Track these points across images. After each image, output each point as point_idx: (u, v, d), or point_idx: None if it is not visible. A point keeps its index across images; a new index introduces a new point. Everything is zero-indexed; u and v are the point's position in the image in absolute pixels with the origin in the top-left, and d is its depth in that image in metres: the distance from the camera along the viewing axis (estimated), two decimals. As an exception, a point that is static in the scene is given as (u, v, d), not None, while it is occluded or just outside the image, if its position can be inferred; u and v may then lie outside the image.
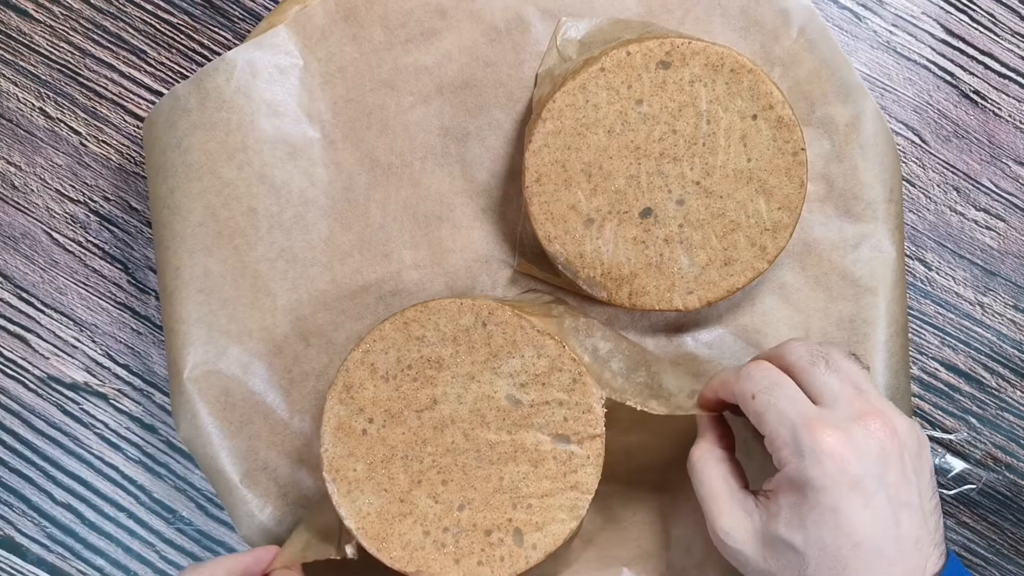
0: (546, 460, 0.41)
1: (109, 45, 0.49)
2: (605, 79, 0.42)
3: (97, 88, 0.49)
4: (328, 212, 0.45)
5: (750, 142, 0.42)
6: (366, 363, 0.41)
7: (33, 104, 0.49)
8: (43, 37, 0.49)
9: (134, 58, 0.49)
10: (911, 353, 0.49)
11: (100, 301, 0.50)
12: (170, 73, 0.49)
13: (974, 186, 0.48)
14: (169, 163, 0.44)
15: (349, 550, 0.41)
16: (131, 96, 0.49)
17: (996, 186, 0.48)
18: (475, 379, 0.41)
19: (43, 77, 0.49)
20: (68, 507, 0.50)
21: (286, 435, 0.45)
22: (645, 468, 0.47)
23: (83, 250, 0.50)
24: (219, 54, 0.48)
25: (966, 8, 0.48)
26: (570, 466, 0.41)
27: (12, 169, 0.49)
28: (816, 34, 0.44)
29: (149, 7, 0.48)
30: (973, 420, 0.49)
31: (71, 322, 0.50)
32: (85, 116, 0.49)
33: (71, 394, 0.50)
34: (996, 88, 0.48)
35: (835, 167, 0.45)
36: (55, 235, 0.50)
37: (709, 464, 0.38)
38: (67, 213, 0.49)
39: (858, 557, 0.34)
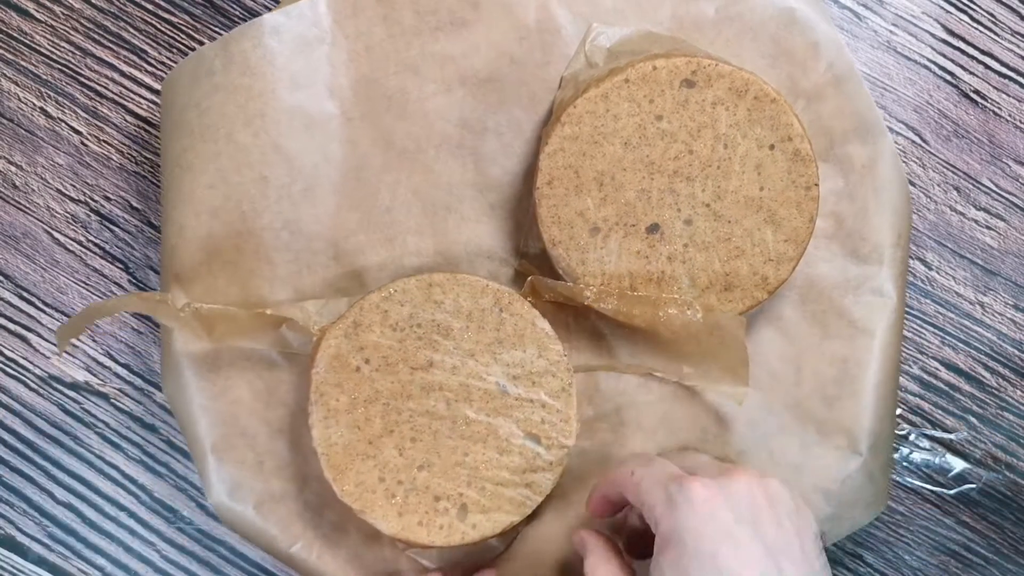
0: (512, 452, 0.43)
1: (110, 45, 0.49)
2: (628, 91, 0.41)
3: (98, 88, 0.49)
4: (338, 189, 0.45)
5: (765, 171, 0.42)
6: (381, 308, 0.43)
7: (34, 104, 0.49)
8: (44, 37, 0.49)
9: (135, 58, 0.49)
10: (912, 352, 0.49)
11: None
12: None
13: (974, 186, 0.48)
14: (186, 122, 0.44)
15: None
16: (132, 96, 0.49)
17: (996, 186, 0.48)
18: (474, 357, 0.43)
19: (44, 77, 0.49)
20: (69, 506, 0.50)
21: (269, 403, 0.45)
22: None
23: (84, 249, 0.50)
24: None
25: (966, 8, 0.48)
26: (532, 465, 0.43)
27: (13, 169, 0.49)
28: (844, 71, 0.44)
29: (150, 7, 0.48)
30: (973, 419, 0.49)
31: (72, 322, 0.50)
32: (86, 116, 0.49)
33: (72, 393, 0.50)
34: (996, 88, 0.48)
35: (846, 206, 0.45)
36: (56, 234, 0.50)
37: (599, 570, 0.39)
38: (68, 212, 0.49)
39: None
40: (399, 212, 0.45)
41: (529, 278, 0.44)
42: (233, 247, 0.45)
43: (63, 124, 0.49)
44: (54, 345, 0.50)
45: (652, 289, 0.43)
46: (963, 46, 0.48)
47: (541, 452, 0.43)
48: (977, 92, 0.48)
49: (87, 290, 0.50)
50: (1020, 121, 0.48)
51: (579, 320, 0.46)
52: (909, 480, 0.49)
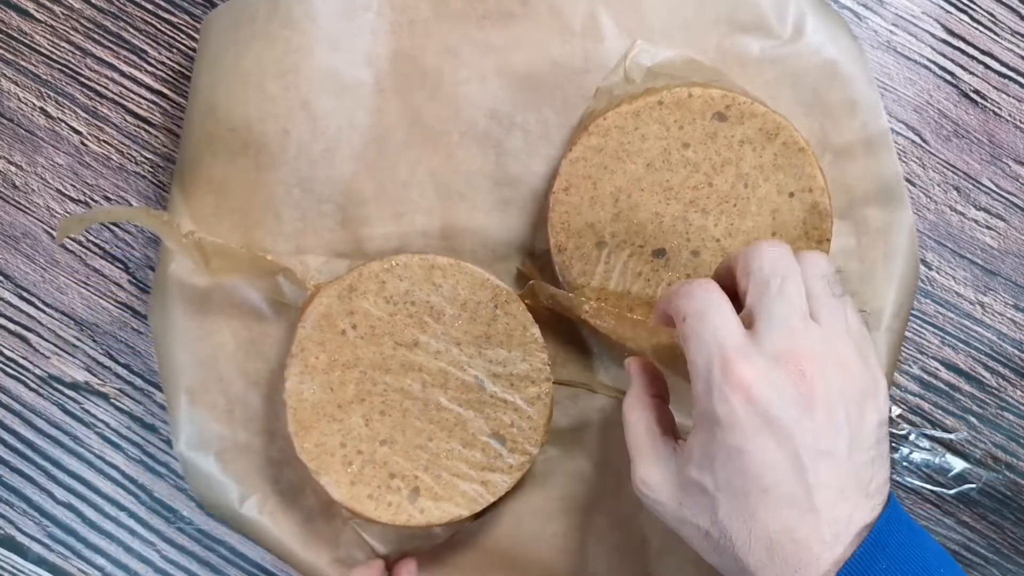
0: (475, 447, 0.43)
1: (110, 45, 0.49)
2: (660, 113, 0.41)
3: (98, 88, 0.49)
4: (358, 156, 0.45)
5: (780, 217, 0.42)
6: (379, 278, 0.43)
7: (34, 104, 0.49)
8: (44, 37, 0.49)
9: (135, 58, 0.49)
10: (912, 352, 0.49)
11: (101, 300, 0.50)
12: (171, 73, 0.49)
13: (974, 185, 0.48)
14: (220, 63, 0.44)
15: None
16: (132, 96, 0.49)
17: (996, 185, 0.48)
18: (460, 346, 0.43)
19: (44, 77, 0.49)
20: (69, 506, 0.50)
21: (250, 354, 0.45)
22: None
23: (84, 249, 0.50)
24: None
25: (966, 8, 0.48)
26: (492, 464, 0.43)
27: (13, 169, 0.49)
28: (877, 133, 0.44)
29: (150, 7, 0.48)
30: (973, 419, 0.49)
31: (72, 321, 0.50)
32: (86, 116, 0.49)
33: (72, 393, 0.50)
34: (996, 88, 0.48)
35: (854, 266, 0.45)
36: (56, 234, 0.50)
37: (635, 412, 0.38)
38: (68, 212, 0.49)
39: (766, 504, 0.33)
40: (413, 190, 0.45)
41: (531, 282, 0.44)
42: (243, 194, 0.45)
43: (63, 124, 0.49)
44: (54, 345, 0.50)
45: (647, 313, 0.43)
46: (963, 46, 0.48)
47: (504, 454, 0.43)
48: (977, 92, 0.48)
49: (87, 290, 0.50)
50: (1020, 121, 0.48)
51: (570, 332, 0.46)
52: (909, 480, 0.49)
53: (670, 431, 0.38)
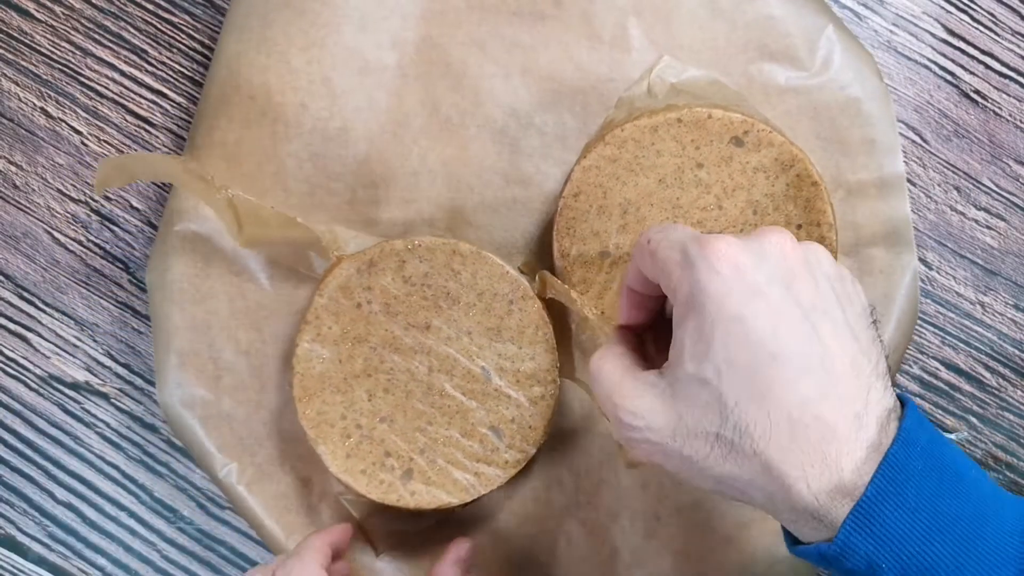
0: (474, 437, 0.43)
1: (110, 45, 0.49)
2: (678, 131, 0.41)
3: (98, 88, 0.49)
4: (372, 138, 0.45)
5: None
6: (400, 257, 0.43)
7: (34, 104, 0.49)
8: (44, 37, 0.49)
9: (135, 57, 0.49)
10: (912, 352, 0.49)
11: (101, 300, 0.50)
12: (171, 73, 0.49)
13: (975, 185, 0.48)
14: (248, 28, 0.44)
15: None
16: (132, 96, 0.49)
17: (997, 185, 0.48)
18: (471, 335, 0.43)
19: (44, 77, 0.49)
20: (69, 506, 0.50)
21: (243, 324, 0.45)
22: None
23: (84, 249, 0.50)
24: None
25: (967, 8, 0.48)
26: (488, 457, 0.43)
27: (13, 169, 0.49)
28: (892, 177, 0.44)
29: (150, 7, 0.48)
30: (974, 419, 0.49)
31: (72, 321, 0.50)
32: (86, 116, 0.49)
33: (72, 393, 0.50)
34: (997, 88, 0.48)
35: None
36: (56, 234, 0.50)
37: (607, 361, 0.34)
38: (68, 212, 0.49)
39: (779, 373, 0.30)
40: (424, 178, 0.45)
41: (540, 272, 0.44)
42: (255, 163, 0.45)
43: (63, 124, 0.49)
44: (55, 345, 0.50)
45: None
46: (963, 46, 0.48)
47: (501, 448, 0.43)
48: (977, 92, 0.48)
49: (87, 290, 0.50)
50: (1020, 121, 0.48)
51: (564, 327, 0.46)
52: (909, 480, 0.49)
53: (645, 368, 0.34)
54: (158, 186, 0.49)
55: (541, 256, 0.45)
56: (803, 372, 0.30)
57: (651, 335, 0.38)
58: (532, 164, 0.45)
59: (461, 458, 0.43)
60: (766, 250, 0.31)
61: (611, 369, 0.34)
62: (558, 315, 0.45)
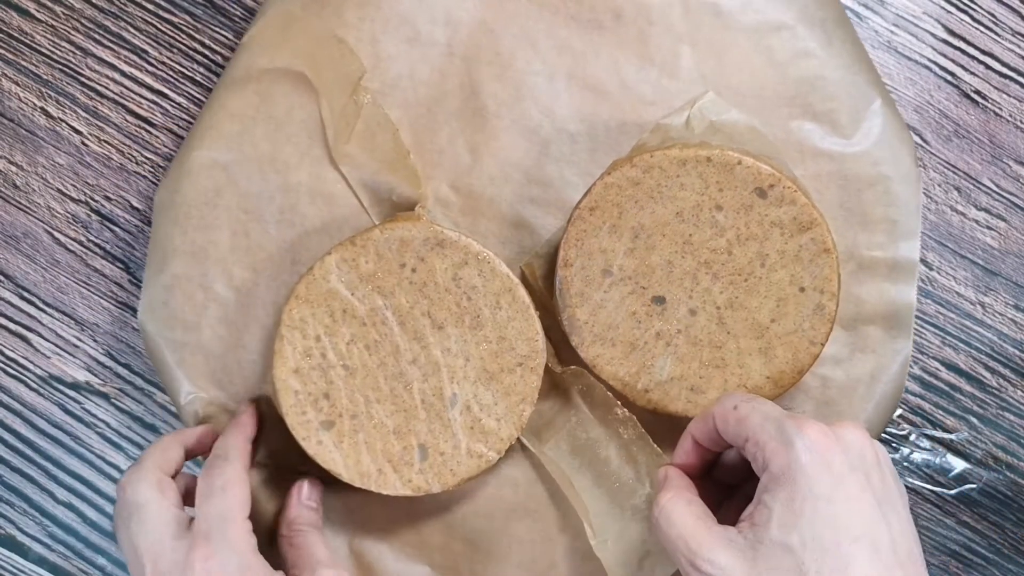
0: (401, 441, 0.43)
1: (110, 45, 0.49)
2: (705, 169, 0.41)
3: (98, 88, 0.49)
4: (406, 108, 0.45)
5: (784, 307, 0.42)
6: (464, 255, 0.43)
7: (35, 104, 0.49)
8: (44, 37, 0.49)
9: (135, 57, 0.49)
10: (913, 352, 0.49)
11: (101, 300, 0.50)
12: (171, 73, 0.49)
13: (975, 186, 0.48)
14: None
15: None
16: (132, 96, 0.49)
17: (997, 186, 0.48)
18: (467, 362, 0.43)
19: (44, 77, 0.49)
20: (70, 506, 0.51)
21: (241, 261, 0.45)
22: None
23: (84, 249, 0.50)
24: (221, 54, 0.49)
25: (967, 8, 0.48)
26: (399, 466, 0.43)
27: (14, 169, 0.49)
28: (905, 261, 0.44)
29: (150, 7, 0.48)
30: (974, 420, 0.49)
31: (72, 321, 0.50)
32: (86, 115, 0.49)
33: (72, 393, 0.50)
34: (997, 88, 0.48)
35: (840, 376, 0.45)
36: (56, 234, 0.50)
37: (679, 505, 0.37)
38: (68, 212, 0.49)
39: (860, 553, 0.33)
40: (447, 159, 0.45)
41: (528, 262, 0.45)
42: (286, 108, 0.45)
43: (64, 124, 0.49)
44: (55, 345, 0.50)
45: (626, 352, 0.43)
46: (964, 46, 0.48)
47: (414, 468, 0.43)
48: (978, 92, 0.48)
49: (87, 290, 0.50)
50: (1021, 121, 0.48)
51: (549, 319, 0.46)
52: (909, 480, 0.49)
53: (715, 520, 0.37)
54: (158, 185, 0.49)
55: (545, 259, 0.45)
56: (876, 552, 0.33)
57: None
58: (557, 168, 0.45)
59: (378, 448, 0.43)
60: (848, 441, 0.35)
61: (684, 513, 0.37)
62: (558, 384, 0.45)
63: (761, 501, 0.35)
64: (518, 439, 0.44)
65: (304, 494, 0.44)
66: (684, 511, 0.37)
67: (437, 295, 0.43)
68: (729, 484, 0.41)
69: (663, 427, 0.45)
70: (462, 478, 0.43)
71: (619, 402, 0.45)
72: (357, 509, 0.46)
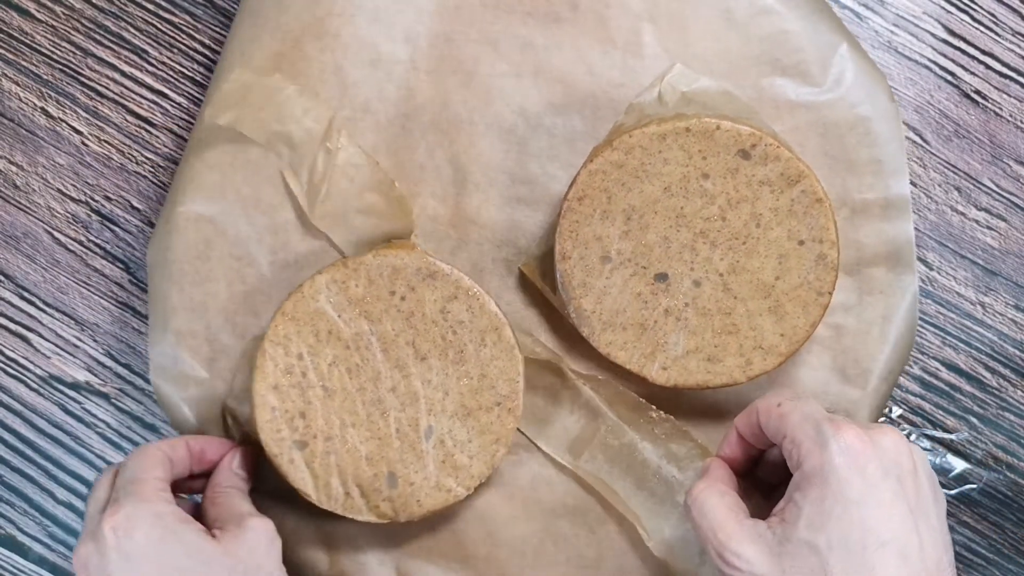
0: (372, 468, 0.43)
1: (111, 45, 0.49)
2: (686, 140, 0.41)
3: (99, 88, 0.49)
4: (380, 130, 0.45)
5: (786, 263, 0.42)
6: (454, 290, 0.42)
7: (35, 104, 0.49)
8: (45, 37, 0.49)
9: (135, 58, 0.49)
10: (913, 352, 0.49)
11: (101, 300, 0.50)
12: (171, 73, 0.49)
13: (975, 186, 0.48)
14: (262, 13, 0.45)
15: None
16: (132, 96, 0.49)
17: (997, 186, 0.48)
18: (446, 396, 0.43)
19: (45, 77, 0.49)
20: (70, 506, 0.51)
21: (241, 307, 0.45)
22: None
23: (84, 249, 0.50)
24: (221, 54, 0.49)
25: (967, 8, 0.48)
26: (366, 490, 0.43)
27: (14, 169, 0.49)
28: (897, 199, 0.44)
29: (151, 7, 0.48)
30: (974, 420, 0.49)
31: (72, 321, 0.50)
32: (87, 116, 0.49)
33: (72, 393, 0.50)
34: (997, 88, 0.48)
35: (852, 322, 0.45)
36: (57, 234, 0.50)
37: (712, 496, 0.37)
38: (68, 212, 0.49)
39: (885, 558, 0.33)
40: (429, 173, 0.45)
41: (521, 266, 0.45)
42: (261, 149, 0.45)
43: (64, 124, 0.49)
44: (55, 345, 0.50)
45: (638, 333, 0.43)
46: (964, 46, 0.48)
47: (382, 494, 0.43)
48: (978, 92, 0.48)
49: (88, 290, 0.50)
50: (1021, 121, 0.48)
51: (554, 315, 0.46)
52: (910, 480, 0.49)
53: (748, 513, 0.37)
54: (158, 185, 0.49)
55: (542, 257, 0.45)
56: (903, 560, 0.34)
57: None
58: (539, 165, 0.45)
59: (349, 472, 0.42)
60: (884, 446, 0.35)
61: (716, 504, 0.37)
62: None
63: (792, 499, 0.35)
64: (553, 459, 0.44)
65: (235, 462, 0.43)
66: (717, 502, 0.37)
67: (423, 326, 0.43)
68: (772, 483, 0.41)
69: (699, 416, 0.45)
70: (428, 510, 0.43)
71: (652, 405, 0.45)
72: (400, 531, 0.46)
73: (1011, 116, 0.48)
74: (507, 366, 0.43)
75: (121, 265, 0.50)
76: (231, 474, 0.43)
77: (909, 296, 0.45)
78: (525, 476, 0.46)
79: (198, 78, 0.49)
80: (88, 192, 0.49)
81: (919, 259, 0.49)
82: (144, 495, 0.38)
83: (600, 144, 0.43)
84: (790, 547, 0.34)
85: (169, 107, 0.49)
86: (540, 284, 0.45)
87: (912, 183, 0.48)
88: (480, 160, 0.45)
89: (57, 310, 0.50)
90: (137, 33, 0.49)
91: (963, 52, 0.48)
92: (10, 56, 0.49)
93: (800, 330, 0.42)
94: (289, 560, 0.44)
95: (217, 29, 0.49)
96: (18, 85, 0.49)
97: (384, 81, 0.45)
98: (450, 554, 0.46)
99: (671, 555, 0.45)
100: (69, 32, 0.49)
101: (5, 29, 0.49)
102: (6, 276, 0.50)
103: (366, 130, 0.45)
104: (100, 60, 0.49)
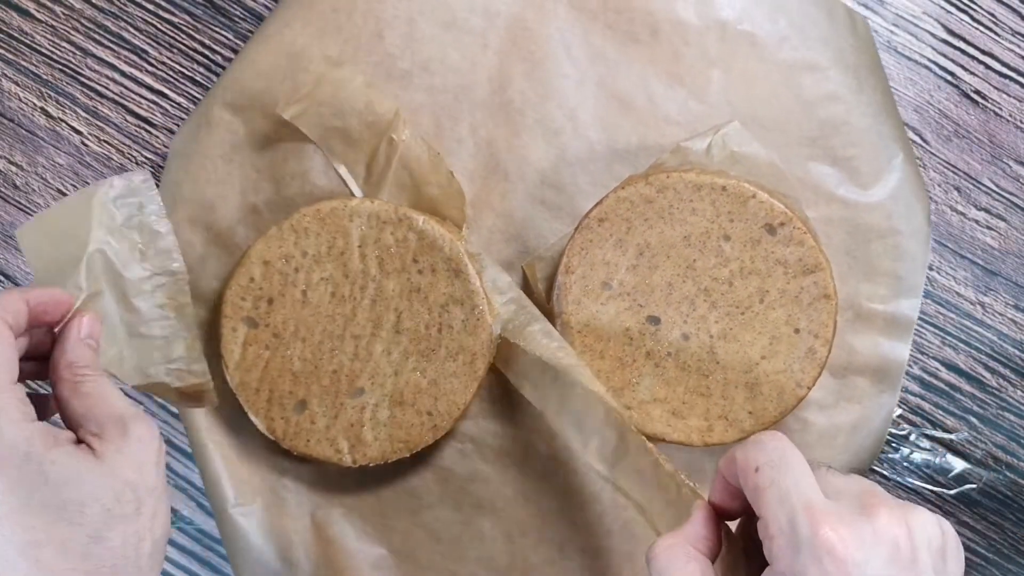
0: (336, 415, 0.43)
1: (110, 45, 0.49)
2: (719, 197, 0.42)
3: (98, 88, 0.49)
4: (432, 92, 0.45)
5: (776, 346, 0.42)
6: (452, 265, 0.43)
7: (35, 104, 0.49)
8: (44, 37, 0.49)
9: (135, 58, 0.49)
10: (912, 353, 0.49)
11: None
12: (171, 73, 0.49)
13: (975, 186, 0.48)
14: None
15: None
16: (132, 96, 0.49)
17: (997, 186, 0.48)
18: (396, 372, 0.43)
19: (44, 77, 0.49)
20: None
21: (247, 216, 0.45)
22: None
23: (84, 249, 0.50)
24: (221, 54, 0.49)
25: (967, 8, 0.48)
26: (361, 423, 0.43)
27: (14, 169, 0.49)
28: (903, 318, 0.45)
29: (150, 7, 0.48)
30: (974, 420, 0.49)
31: (72, 321, 0.50)
32: (86, 116, 0.49)
33: (72, 393, 0.50)
34: (997, 88, 0.48)
35: (822, 422, 0.45)
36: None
37: (675, 559, 0.32)
38: (68, 212, 0.49)
39: None
40: (466, 149, 0.45)
41: (524, 264, 0.45)
42: (310, 80, 0.45)
43: (64, 124, 0.49)
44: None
45: (614, 366, 0.43)
46: (964, 46, 0.48)
47: (294, 422, 0.43)
48: (978, 92, 0.48)
49: (88, 290, 0.50)
50: (1021, 121, 0.48)
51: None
52: (909, 480, 0.49)
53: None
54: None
55: (547, 262, 0.45)
56: None
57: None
58: (572, 174, 0.45)
59: (271, 373, 0.43)
60: (880, 535, 0.30)
61: (679, 571, 0.32)
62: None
63: None
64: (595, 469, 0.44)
65: (84, 331, 0.35)
66: (679, 569, 0.32)
67: (419, 307, 0.43)
68: None
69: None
70: (310, 454, 0.43)
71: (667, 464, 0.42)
72: (327, 480, 0.46)
73: (1011, 116, 0.48)
74: (459, 391, 0.43)
75: (121, 265, 0.50)
76: (87, 349, 0.35)
77: (884, 414, 0.45)
78: (466, 468, 0.46)
79: (198, 78, 0.49)
80: (88, 192, 0.49)
81: (919, 259, 0.49)
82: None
83: (636, 175, 0.43)
84: None
85: (169, 107, 0.49)
86: (537, 288, 0.45)
87: (912, 183, 0.48)
88: (518, 151, 0.45)
89: (57, 310, 0.50)
90: (137, 33, 0.49)
91: (963, 52, 0.48)
92: (10, 56, 0.49)
93: (769, 413, 0.42)
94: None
95: (217, 29, 0.49)
96: (18, 85, 0.49)
97: (450, 46, 0.45)
98: (369, 517, 0.46)
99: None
100: (69, 32, 0.49)
101: (5, 29, 0.49)
102: (5, 276, 0.50)
103: (419, 88, 0.45)
104: (100, 60, 0.49)
